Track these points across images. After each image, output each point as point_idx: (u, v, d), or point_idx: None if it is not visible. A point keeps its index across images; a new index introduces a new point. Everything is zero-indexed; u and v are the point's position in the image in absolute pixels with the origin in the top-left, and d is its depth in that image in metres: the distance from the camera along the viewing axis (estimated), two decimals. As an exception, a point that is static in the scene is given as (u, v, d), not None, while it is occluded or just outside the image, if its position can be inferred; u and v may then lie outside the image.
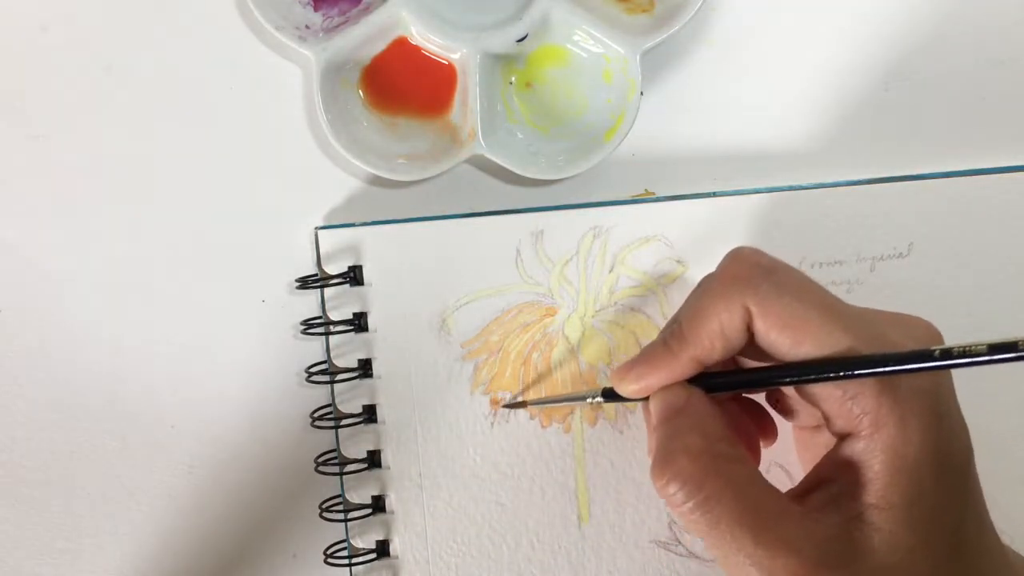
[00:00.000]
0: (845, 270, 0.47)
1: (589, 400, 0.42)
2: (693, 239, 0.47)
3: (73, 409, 0.49)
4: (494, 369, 0.48)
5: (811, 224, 0.47)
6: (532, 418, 0.48)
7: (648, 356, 0.38)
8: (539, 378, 0.48)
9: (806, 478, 0.37)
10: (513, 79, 0.49)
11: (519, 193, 0.49)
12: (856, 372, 0.33)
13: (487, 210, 0.48)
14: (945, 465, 0.34)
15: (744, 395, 0.42)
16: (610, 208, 0.48)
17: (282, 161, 0.49)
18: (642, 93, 0.46)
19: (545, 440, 0.47)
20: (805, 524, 0.34)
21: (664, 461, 0.36)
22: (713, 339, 0.36)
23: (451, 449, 0.48)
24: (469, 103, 0.47)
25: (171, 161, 0.49)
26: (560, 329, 0.48)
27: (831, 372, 0.34)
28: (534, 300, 0.48)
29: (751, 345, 0.37)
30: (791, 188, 0.47)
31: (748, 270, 0.37)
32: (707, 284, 0.38)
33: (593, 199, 0.48)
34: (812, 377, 0.35)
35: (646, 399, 0.39)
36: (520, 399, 0.48)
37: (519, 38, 0.47)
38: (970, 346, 0.31)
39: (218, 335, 0.49)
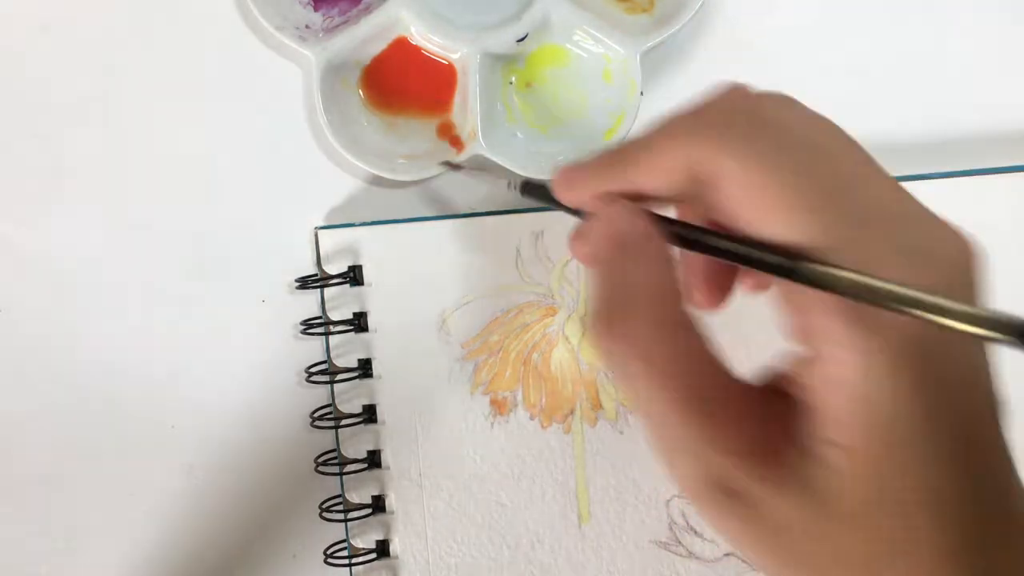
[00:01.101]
0: (845, 270, 0.47)
1: (508, 185, 0.39)
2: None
3: (73, 409, 0.49)
4: (494, 369, 0.48)
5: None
6: (532, 418, 0.48)
7: (592, 157, 0.33)
8: (539, 378, 0.48)
9: (769, 381, 0.31)
10: (513, 79, 0.49)
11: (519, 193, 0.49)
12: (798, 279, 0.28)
13: (487, 210, 0.48)
14: (942, 433, 0.27)
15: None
16: (610, 208, 0.48)
17: (282, 161, 0.49)
18: (642, 93, 0.46)
19: (545, 440, 0.48)
20: (755, 428, 0.29)
21: (613, 313, 0.30)
22: (657, 172, 0.31)
23: (451, 449, 0.48)
24: (469, 103, 0.47)
25: (171, 161, 0.49)
26: (560, 329, 0.48)
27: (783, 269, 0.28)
28: (534, 300, 0.48)
29: (696, 199, 0.31)
30: (791, 188, 0.47)
31: (722, 113, 0.31)
32: (676, 116, 0.32)
33: (593, 199, 0.48)
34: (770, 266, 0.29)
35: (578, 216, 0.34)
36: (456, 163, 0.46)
37: (519, 38, 0.47)
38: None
39: (218, 335, 0.49)
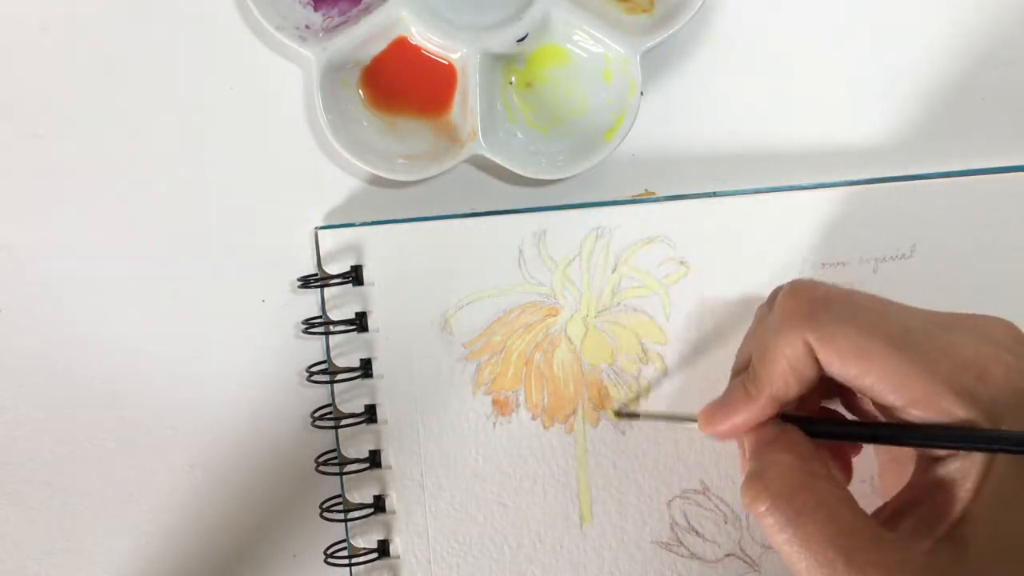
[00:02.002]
0: (848, 271, 0.47)
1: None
2: (696, 240, 0.47)
3: (73, 409, 0.49)
4: (496, 369, 0.48)
5: (813, 225, 0.47)
6: (534, 419, 0.48)
7: (728, 400, 0.39)
8: (541, 378, 0.48)
9: (893, 502, 0.36)
10: (513, 79, 0.49)
11: (519, 193, 0.49)
12: (977, 446, 0.33)
13: (487, 210, 0.48)
14: None
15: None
16: (613, 208, 0.48)
17: (282, 161, 0.49)
18: (642, 93, 0.46)
19: (547, 440, 0.48)
20: (899, 551, 0.33)
21: (754, 477, 0.36)
22: (785, 377, 0.36)
23: (453, 449, 0.48)
24: (469, 103, 0.47)
25: (171, 161, 0.49)
26: (563, 329, 0.48)
27: (949, 440, 0.34)
28: (536, 300, 0.48)
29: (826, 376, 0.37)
30: (792, 188, 0.47)
31: (804, 304, 0.36)
32: (768, 323, 0.38)
33: (593, 199, 0.48)
34: (926, 442, 0.35)
35: None
36: (634, 411, 0.48)
37: (519, 38, 0.47)
38: None
39: (218, 335, 0.49)
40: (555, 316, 0.48)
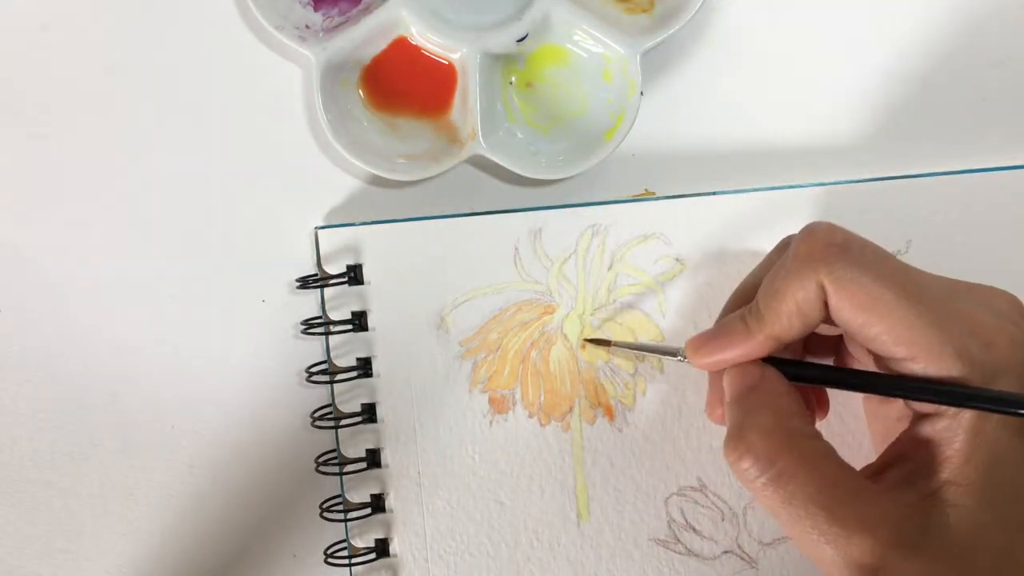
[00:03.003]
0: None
1: (678, 359, 0.42)
2: (692, 237, 0.47)
3: (73, 409, 0.49)
4: (493, 367, 0.48)
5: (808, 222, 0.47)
6: (531, 417, 0.48)
7: (724, 332, 0.39)
8: (538, 376, 0.48)
9: (882, 456, 0.38)
10: (513, 79, 0.49)
11: (519, 193, 0.49)
12: (965, 404, 0.34)
13: (487, 210, 0.48)
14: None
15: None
16: (609, 206, 0.48)
17: (282, 161, 0.49)
18: (642, 93, 0.46)
19: (544, 439, 0.47)
20: (880, 502, 0.34)
21: (736, 437, 0.36)
22: (791, 317, 0.37)
23: (450, 447, 0.48)
24: (469, 103, 0.47)
25: (171, 161, 0.49)
26: (559, 327, 0.48)
27: (926, 394, 0.35)
28: (533, 298, 0.48)
29: (828, 319, 0.37)
30: (789, 187, 0.47)
31: (822, 248, 0.36)
32: (782, 262, 0.38)
33: (593, 199, 0.48)
34: (904, 393, 0.36)
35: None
36: (604, 339, 0.47)
37: (519, 38, 0.47)
38: None
39: (218, 335, 0.49)
40: (551, 314, 0.48)
